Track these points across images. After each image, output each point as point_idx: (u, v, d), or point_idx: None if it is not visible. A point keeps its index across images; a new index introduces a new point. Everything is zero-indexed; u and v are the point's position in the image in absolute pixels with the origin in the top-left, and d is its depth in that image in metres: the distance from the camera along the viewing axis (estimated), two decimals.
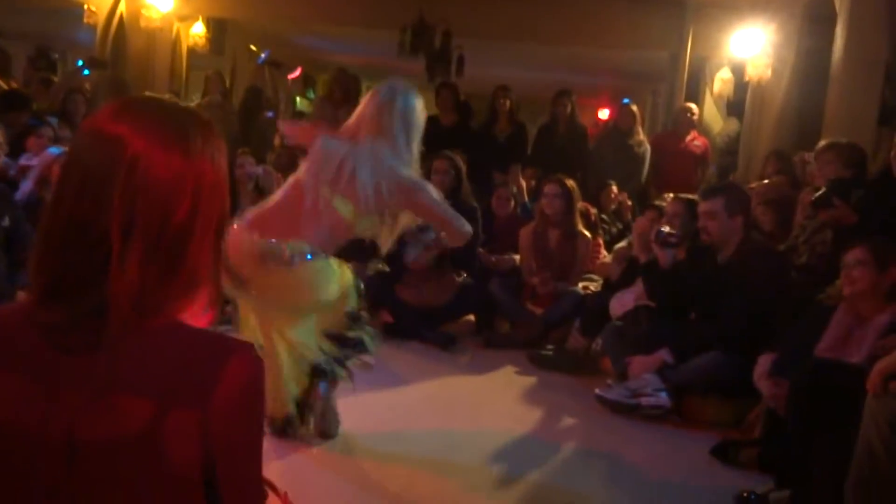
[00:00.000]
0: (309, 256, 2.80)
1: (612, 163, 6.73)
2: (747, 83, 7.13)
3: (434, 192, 2.95)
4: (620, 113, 7.20)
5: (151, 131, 0.97)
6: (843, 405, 2.47)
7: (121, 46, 7.70)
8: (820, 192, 3.64)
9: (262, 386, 0.99)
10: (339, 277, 2.96)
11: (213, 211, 1.00)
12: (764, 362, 3.18)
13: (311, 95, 13.45)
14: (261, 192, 5.00)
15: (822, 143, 4.21)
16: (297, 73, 11.35)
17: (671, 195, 4.84)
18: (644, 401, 3.61)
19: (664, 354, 3.68)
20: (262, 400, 0.99)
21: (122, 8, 7.60)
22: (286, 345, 2.93)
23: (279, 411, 2.95)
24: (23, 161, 4.61)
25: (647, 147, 6.83)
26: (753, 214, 4.25)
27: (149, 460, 0.93)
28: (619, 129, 6.97)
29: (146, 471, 0.93)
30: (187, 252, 0.97)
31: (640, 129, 6.98)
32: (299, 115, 10.41)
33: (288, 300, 2.92)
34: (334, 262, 2.95)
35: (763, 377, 3.13)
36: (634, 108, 7.05)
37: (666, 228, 3.98)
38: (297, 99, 12.16)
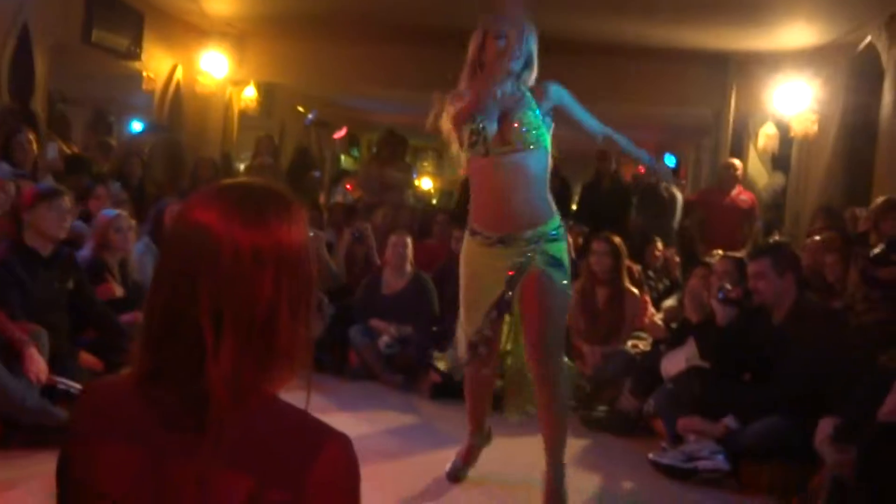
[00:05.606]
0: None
1: (647, 213, 6.77)
2: (792, 138, 7.10)
3: None
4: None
5: (232, 213, 0.98)
6: None
7: (176, 111, 8.01)
8: (878, 250, 3.59)
9: (356, 477, 0.98)
10: None
11: (299, 285, 0.99)
12: (825, 427, 3.09)
13: (356, 153, 13.73)
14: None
15: (881, 199, 4.16)
16: (343, 132, 11.63)
17: (720, 252, 4.80)
18: (701, 465, 3.52)
19: (729, 421, 3.57)
20: (355, 491, 0.98)
21: (178, 75, 7.92)
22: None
23: None
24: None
25: (678, 194, 6.85)
26: (819, 264, 4.16)
27: None
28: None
29: None
30: (279, 332, 0.97)
31: None
32: (344, 174, 10.64)
33: None
34: None
35: (825, 443, 3.04)
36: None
37: (728, 286, 3.91)
38: (342, 157, 12.44)
